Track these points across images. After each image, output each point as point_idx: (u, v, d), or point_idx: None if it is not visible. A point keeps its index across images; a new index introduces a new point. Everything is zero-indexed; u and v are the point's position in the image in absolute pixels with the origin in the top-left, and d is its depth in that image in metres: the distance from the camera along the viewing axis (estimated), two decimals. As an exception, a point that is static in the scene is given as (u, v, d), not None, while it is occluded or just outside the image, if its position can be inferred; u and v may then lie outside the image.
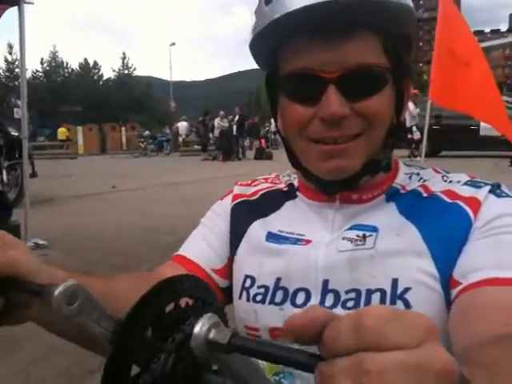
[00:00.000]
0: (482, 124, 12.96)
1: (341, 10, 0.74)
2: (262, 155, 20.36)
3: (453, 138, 14.93)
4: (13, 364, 2.83)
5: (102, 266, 4.39)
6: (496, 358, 0.57)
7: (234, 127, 20.70)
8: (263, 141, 24.46)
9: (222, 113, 21.36)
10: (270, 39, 0.83)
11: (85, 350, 0.81)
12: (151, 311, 0.42)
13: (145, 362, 0.41)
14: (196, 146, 26.35)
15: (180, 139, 29.15)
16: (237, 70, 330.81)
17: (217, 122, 20.94)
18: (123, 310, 0.42)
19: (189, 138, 29.43)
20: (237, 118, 21.11)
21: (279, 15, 0.76)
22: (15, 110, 7.36)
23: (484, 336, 0.64)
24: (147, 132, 32.44)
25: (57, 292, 0.43)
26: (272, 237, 0.93)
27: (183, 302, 0.45)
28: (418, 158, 12.50)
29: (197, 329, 0.40)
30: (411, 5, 0.81)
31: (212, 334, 0.40)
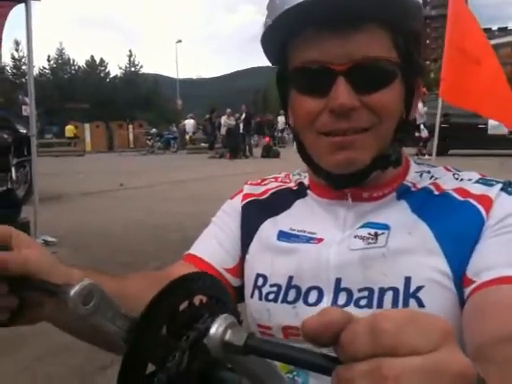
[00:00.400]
0: (490, 122, 12.91)
1: (350, 3, 0.75)
2: (269, 153, 20.34)
3: (461, 136, 14.86)
4: (19, 361, 2.83)
5: (109, 264, 4.40)
6: (509, 356, 0.57)
7: (241, 125, 20.69)
8: (268, 138, 24.42)
9: (228, 110, 21.34)
10: (280, 32, 0.83)
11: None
12: (165, 310, 0.42)
13: (160, 360, 0.41)
14: (203, 144, 26.35)
15: (187, 137, 29.18)
16: (243, 68, 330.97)
17: (223, 119, 20.93)
18: (133, 309, 0.42)
19: (196, 135, 29.45)
20: (243, 115, 21.09)
21: (289, 6, 0.77)
22: (23, 107, 7.37)
23: (497, 334, 0.64)
24: (154, 130, 32.50)
25: (73, 292, 0.43)
26: (283, 235, 0.93)
27: (197, 299, 0.45)
28: (427, 157, 12.45)
29: (213, 330, 0.40)
30: (420, 0, 0.82)
31: (228, 336, 0.39)
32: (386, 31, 0.81)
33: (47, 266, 0.63)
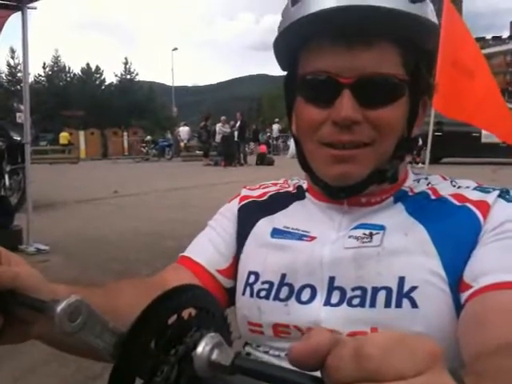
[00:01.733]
0: (484, 131, 12.95)
1: (365, 19, 0.76)
2: (263, 161, 20.38)
3: (454, 144, 14.90)
4: (9, 372, 2.77)
5: (103, 272, 4.38)
6: (502, 366, 0.57)
7: (236, 133, 20.70)
8: (265, 146, 24.51)
9: (223, 118, 21.33)
10: (292, 39, 0.85)
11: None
12: (153, 324, 0.41)
13: (148, 374, 0.41)
14: (198, 152, 26.35)
15: (182, 144, 29.16)
16: (238, 76, 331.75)
17: (218, 127, 20.93)
18: (125, 321, 0.42)
19: (191, 143, 29.41)
20: (238, 123, 21.11)
21: (304, 15, 0.78)
22: (17, 114, 7.36)
23: (493, 343, 0.64)
24: (149, 137, 32.50)
25: (59, 309, 0.42)
26: (277, 232, 0.93)
27: (187, 311, 0.45)
28: (420, 165, 12.48)
29: (199, 349, 0.40)
30: (437, 23, 0.83)
31: (215, 355, 0.39)
32: (398, 49, 0.81)
33: (35, 282, 0.62)
